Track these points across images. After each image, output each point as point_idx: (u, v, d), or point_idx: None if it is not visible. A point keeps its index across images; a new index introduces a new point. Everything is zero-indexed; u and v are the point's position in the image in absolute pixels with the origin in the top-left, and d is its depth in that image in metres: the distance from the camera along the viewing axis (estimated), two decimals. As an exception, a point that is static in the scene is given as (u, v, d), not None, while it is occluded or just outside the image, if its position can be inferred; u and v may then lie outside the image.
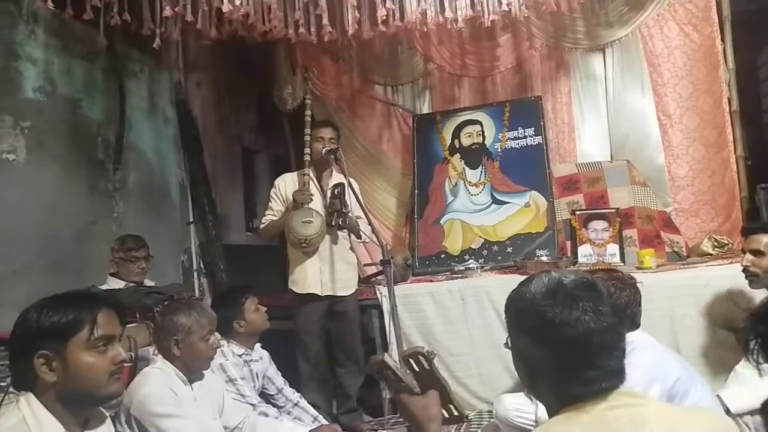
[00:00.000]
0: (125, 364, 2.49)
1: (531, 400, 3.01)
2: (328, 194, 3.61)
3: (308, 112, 3.85)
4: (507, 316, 1.22)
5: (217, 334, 2.93)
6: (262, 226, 3.77)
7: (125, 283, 3.25)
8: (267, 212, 3.74)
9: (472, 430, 3.50)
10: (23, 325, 1.45)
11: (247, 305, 3.02)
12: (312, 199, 3.55)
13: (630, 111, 4.60)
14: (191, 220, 4.73)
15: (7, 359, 1.50)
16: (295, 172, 3.80)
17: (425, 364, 1.29)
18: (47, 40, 3.46)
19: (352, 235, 3.69)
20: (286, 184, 3.72)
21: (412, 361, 1.29)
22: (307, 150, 3.67)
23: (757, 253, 2.84)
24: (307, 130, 3.71)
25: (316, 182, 3.68)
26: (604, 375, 1.09)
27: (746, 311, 3.09)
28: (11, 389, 1.53)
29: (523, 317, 1.17)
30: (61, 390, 1.43)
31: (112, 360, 1.50)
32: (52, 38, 3.49)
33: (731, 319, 3.28)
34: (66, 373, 1.42)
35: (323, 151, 3.61)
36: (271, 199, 3.74)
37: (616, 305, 1.16)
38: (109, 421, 1.65)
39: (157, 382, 2.23)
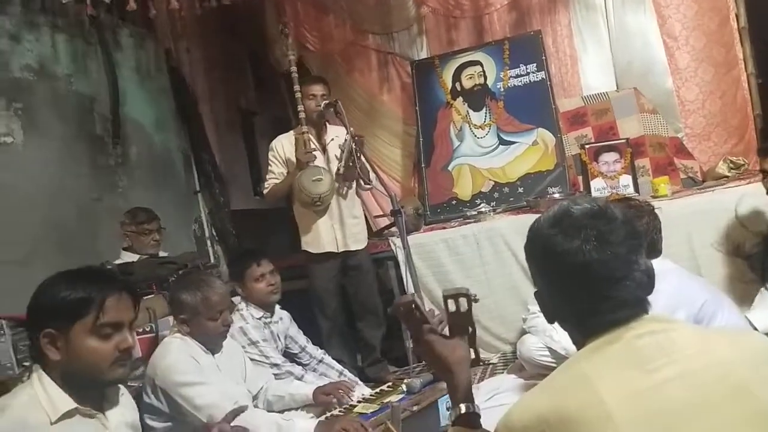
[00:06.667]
0: (147, 335, 2.51)
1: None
2: (335, 154, 3.55)
3: (293, 68, 3.69)
4: (525, 249, 1.20)
5: (236, 299, 2.93)
6: (265, 190, 3.73)
7: (139, 256, 3.24)
8: (268, 176, 3.70)
9: (497, 372, 3.51)
10: (35, 301, 1.45)
11: (249, 273, 2.95)
12: (315, 157, 3.52)
13: (633, 37, 4.43)
14: (198, 189, 4.69)
15: (27, 339, 1.54)
16: (291, 132, 3.72)
17: (464, 306, 1.23)
18: (28, 16, 3.35)
19: (361, 182, 3.62)
20: (283, 145, 3.67)
21: (451, 302, 1.24)
22: (300, 107, 3.59)
23: None
24: (296, 87, 3.61)
25: (314, 139, 3.62)
26: (615, 306, 1.05)
27: (757, 235, 3.03)
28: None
29: (532, 247, 1.15)
30: (65, 368, 1.41)
31: (117, 346, 1.44)
32: (33, 14, 3.39)
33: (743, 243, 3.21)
34: (70, 353, 1.40)
35: (322, 105, 3.54)
36: (270, 162, 3.70)
37: (634, 233, 1.11)
38: (127, 396, 1.62)
39: (179, 351, 2.23)
